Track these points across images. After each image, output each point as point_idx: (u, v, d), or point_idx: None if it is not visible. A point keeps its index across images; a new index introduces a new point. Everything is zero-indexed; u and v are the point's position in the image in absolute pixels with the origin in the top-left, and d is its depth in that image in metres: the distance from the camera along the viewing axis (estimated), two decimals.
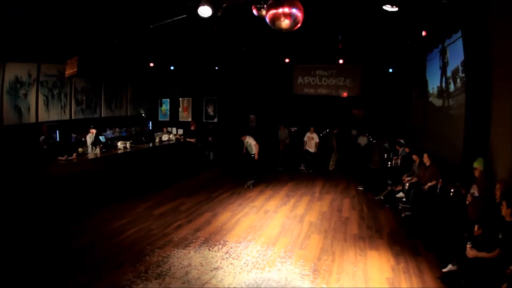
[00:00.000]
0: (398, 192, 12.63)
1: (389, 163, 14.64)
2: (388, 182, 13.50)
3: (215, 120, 22.01)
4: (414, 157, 12.30)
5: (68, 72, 14.26)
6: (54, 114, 15.47)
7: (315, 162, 18.42)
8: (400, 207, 11.61)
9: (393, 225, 10.27)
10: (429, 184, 10.68)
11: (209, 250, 8.34)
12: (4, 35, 11.83)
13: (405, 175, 12.37)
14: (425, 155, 11.32)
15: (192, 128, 18.57)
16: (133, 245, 8.54)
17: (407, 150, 13.67)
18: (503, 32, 8.60)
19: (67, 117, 16.22)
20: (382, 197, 12.82)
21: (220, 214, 11.02)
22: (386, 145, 15.77)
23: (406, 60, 16.45)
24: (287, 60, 18.43)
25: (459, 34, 10.94)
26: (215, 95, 22.03)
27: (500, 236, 6.08)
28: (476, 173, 8.47)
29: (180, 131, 21.02)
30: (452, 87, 11.92)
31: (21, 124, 13.80)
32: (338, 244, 8.84)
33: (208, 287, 6.69)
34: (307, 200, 12.81)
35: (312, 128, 18.22)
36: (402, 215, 10.98)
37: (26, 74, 13.99)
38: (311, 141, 17.88)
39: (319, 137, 18.46)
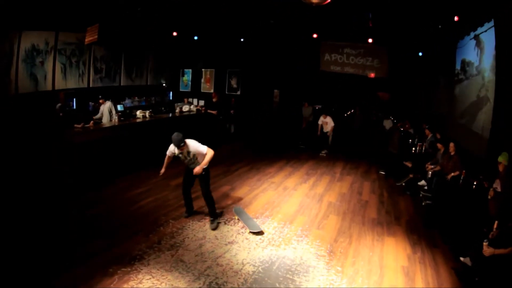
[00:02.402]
0: (420, 179, 12.58)
1: (413, 149, 14.56)
2: (404, 163, 13.42)
3: (238, 93, 21.98)
4: (439, 145, 12.18)
5: (88, 39, 14.28)
6: (71, 82, 15.52)
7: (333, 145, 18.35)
8: (421, 195, 11.54)
9: (412, 213, 10.25)
10: (452, 174, 10.60)
11: (225, 224, 8.48)
12: (21, 2, 11.88)
13: (429, 163, 12.27)
14: (451, 144, 11.19)
15: (214, 100, 18.49)
16: (149, 214, 8.70)
17: (438, 136, 13.50)
18: None
19: (85, 85, 16.29)
20: (403, 184, 12.76)
21: (238, 188, 11.13)
22: (411, 130, 15.65)
23: (436, 45, 16.30)
24: (315, 36, 18.30)
25: (492, 23, 10.79)
26: (238, 67, 21.96)
27: None
28: (500, 168, 8.37)
29: (202, 103, 20.99)
30: (481, 77, 11.78)
31: (37, 91, 13.85)
32: (356, 227, 8.90)
33: (221, 261, 6.80)
34: (327, 180, 12.86)
35: (323, 114, 17.90)
36: (423, 203, 10.93)
37: (43, 42, 13.98)
38: (326, 125, 17.73)
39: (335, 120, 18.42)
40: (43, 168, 9.91)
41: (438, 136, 13.41)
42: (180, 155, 8.39)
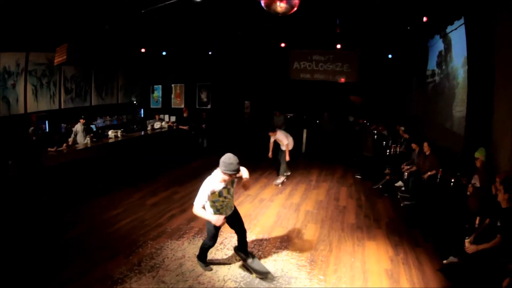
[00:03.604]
0: (397, 181, 12.64)
1: (388, 151, 14.62)
2: (385, 172, 13.47)
3: (209, 106, 22.09)
4: (414, 145, 12.23)
5: (58, 60, 14.14)
6: (43, 104, 15.32)
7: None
8: (399, 196, 11.60)
9: (392, 215, 10.30)
10: (429, 173, 10.66)
11: (202, 240, 8.33)
12: None
13: (404, 164, 12.33)
14: (425, 144, 11.27)
15: (185, 115, 18.49)
16: (126, 236, 8.55)
17: (405, 136, 13.58)
18: (508, 18, 8.58)
19: (56, 106, 16.08)
20: (380, 186, 12.79)
21: None
22: (385, 132, 15.73)
23: (406, 46, 16.44)
24: (283, 45, 18.38)
25: (462, 21, 10.90)
26: (208, 81, 22.06)
27: (498, 224, 6.11)
28: (478, 163, 8.45)
29: (173, 118, 20.98)
30: (453, 75, 11.89)
31: (10, 115, 13.66)
32: (335, 234, 8.89)
33: (202, 279, 6.73)
34: (303, 188, 12.87)
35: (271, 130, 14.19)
36: (401, 204, 10.99)
37: (14, 63, 13.80)
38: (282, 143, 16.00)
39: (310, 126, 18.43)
40: (18, 193, 9.77)
41: (406, 136, 13.51)
42: (223, 191, 6.41)
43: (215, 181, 6.16)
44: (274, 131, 13.34)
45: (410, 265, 7.32)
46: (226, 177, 6.07)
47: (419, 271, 7.08)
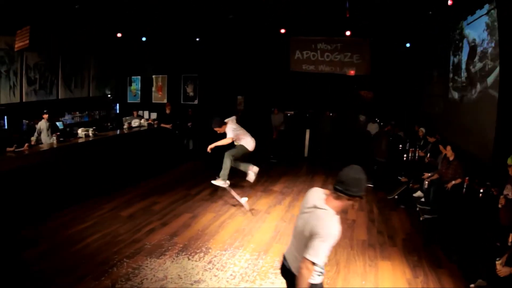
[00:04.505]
0: (416, 190, 12.56)
1: (405, 155, 14.54)
2: (399, 178, 13.38)
3: (196, 102, 22.10)
4: (442, 147, 12.01)
5: (18, 45, 14.02)
6: (1, 97, 15.23)
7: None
8: (417, 209, 11.53)
9: (409, 230, 10.24)
10: (453, 182, 10.58)
11: (189, 259, 8.30)
12: None
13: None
14: (448, 148, 11.16)
15: (168, 111, 18.44)
16: (97, 254, 8.43)
17: (431, 140, 13.43)
18: None
19: (17, 99, 16.00)
20: (396, 196, 12.72)
21: (201, 216, 10.99)
22: (401, 134, 15.65)
23: (426, 34, 16.37)
24: (282, 31, 18.27)
25: (494, 4, 10.77)
26: (195, 72, 22.00)
27: None
28: (511, 172, 8.37)
29: (154, 115, 20.91)
30: (481, 69, 11.78)
31: None
32: (343, 252, 8.80)
33: None
34: None
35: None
36: (420, 218, 10.92)
37: None
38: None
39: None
40: None
41: (432, 139, 13.38)
42: None
43: (336, 218, 4.33)
44: (221, 125, 11.64)
45: (428, 279, 7.32)
46: (350, 205, 4.47)
47: (439, 285, 6.98)
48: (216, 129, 11.58)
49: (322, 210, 4.31)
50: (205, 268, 7.90)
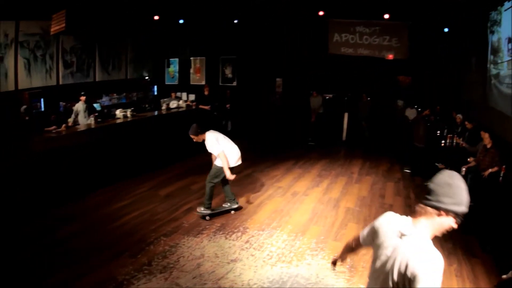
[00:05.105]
0: None
1: (443, 141, 14.43)
2: (436, 164, 13.29)
3: (234, 83, 22.10)
4: (483, 133, 11.76)
5: (54, 28, 14.12)
6: (37, 80, 15.42)
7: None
8: None
9: None
10: (490, 170, 10.48)
11: (226, 238, 8.43)
12: None
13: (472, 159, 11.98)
14: (486, 135, 10.97)
15: (206, 93, 18.49)
16: (134, 231, 8.63)
17: (468, 126, 13.27)
18: None
19: (53, 82, 16.20)
20: None
21: (239, 196, 10.95)
22: (439, 119, 15.50)
23: (466, 18, 16.17)
24: (321, 13, 18.19)
25: None
26: (234, 54, 21.97)
27: None
28: None
29: (192, 97, 21.11)
30: None
31: None
32: None
33: (223, 283, 6.73)
34: (343, 182, 12.80)
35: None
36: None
37: (2, 34, 13.85)
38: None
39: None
40: (4, 181, 9.78)
41: (469, 126, 13.22)
42: None
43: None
44: (197, 133, 9.43)
45: (464, 277, 7.24)
46: (447, 225, 3.27)
47: (474, 285, 7.00)
48: (192, 136, 9.42)
49: (413, 238, 3.18)
50: (242, 248, 8.00)
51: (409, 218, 3.30)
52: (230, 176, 9.36)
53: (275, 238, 8.50)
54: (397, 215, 3.45)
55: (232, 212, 9.86)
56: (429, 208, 3.15)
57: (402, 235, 3.19)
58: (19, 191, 9.79)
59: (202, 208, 9.63)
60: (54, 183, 10.53)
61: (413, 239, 3.12)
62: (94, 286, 6.51)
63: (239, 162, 9.85)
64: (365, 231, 3.82)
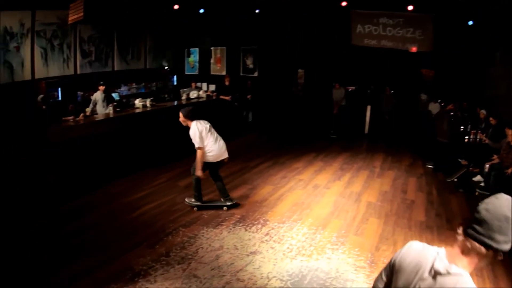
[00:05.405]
0: (476, 174, 12.35)
1: (466, 137, 14.31)
2: (459, 160, 13.18)
3: (255, 74, 22.01)
4: (508, 130, 11.68)
5: (72, 18, 14.09)
6: (54, 69, 15.49)
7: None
8: (477, 194, 11.33)
9: (467, 215, 9.92)
10: None
11: (246, 230, 8.43)
12: None
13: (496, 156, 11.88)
14: (510, 132, 10.89)
15: (227, 83, 18.59)
16: (153, 222, 8.68)
17: (492, 122, 13.15)
18: None
19: (71, 72, 16.27)
20: (455, 179, 12.52)
21: (259, 188, 11.10)
22: (465, 114, 15.37)
23: (491, 11, 16.01)
24: (344, 4, 18.08)
25: None
26: (255, 44, 21.88)
27: None
28: None
29: (212, 87, 21.12)
30: None
31: (13, 82, 13.82)
32: (401, 233, 8.75)
33: (242, 275, 6.72)
34: (365, 176, 12.74)
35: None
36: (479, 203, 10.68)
37: (17, 23, 13.90)
38: None
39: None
40: (22, 171, 9.83)
41: (493, 121, 13.10)
42: None
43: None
44: (187, 116, 9.49)
45: (484, 277, 7.14)
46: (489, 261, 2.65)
47: (494, 285, 6.93)
48: (181, 117, 9.44)
49: (452, 278, 2.57)
50: (262, 240, 7.99)
51: (442, 250, 2.71)
52: (199, 173, 9.31)
53: (296, 231, 8.47)
54: (424, 245, 2.81)
55: (225, 208, 9.63)
56: (476, 244, 2.53)
57: (436, 273, 2.57)
58: (37, 181, 9.86)
59: (193, 200, 9.69)
60: (72, 173, 10.61)
61: (452, 280, 2.51)
62: (111, 275, 6.53)
63: (222, 157, 9.69)
64: (380, 277, 3.00)
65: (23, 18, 14.05)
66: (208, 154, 9.43)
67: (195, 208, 9.53)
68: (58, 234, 8.09)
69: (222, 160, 9.73)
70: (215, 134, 9.72)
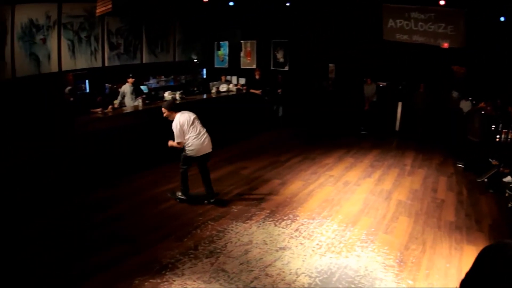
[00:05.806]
0: (506, 175, 12.25)
1: (498, 136, 14.21)
2: (490, 160, 13.09)
3: (286, 68, 21.90)
4: None
5: (100, 10, 14.10)
6: (82, 62, 15.59)
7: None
8: (507, 195, 11.10)
9: (497, 216, 9.92)
10: None
11: (275, 225, 8.46)
12: None
13: None
14: None
15: (257, 77, 18.51)
16: (181, 215, 8.77)
17: None
18: None
19: (99, 64, 16.38)
20: (485, 180, 12.43)
21: (289, 183, 11.10)
22: (498, 113, 15.24)
23: None
24: None
25: None
26: (286, 37, 21.78)
27: None
28: None
29: (242, 81, 21.09)
30: None
31: (39, 74, 13.91)
32: (431, 232, 8.70)
33: (271, 270, 6.75)
34: (396, 174, 12.67)
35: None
36: (509, 205, 10.56)
37: (44, 16, 13.98)
38: None
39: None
40: (49, 163, 9.99)
41: None
42: None
43: None
44: (169, 109, 9.72)
45: None
46: None
47: None
48: (163, 109, 9.67)
49: None
50: (291, 236, 8.01)
51: None
52: (171, 143, 9.60)
53: (325, 228, 8.47)
54: None
55: (206, 202, 9.62)
56: None
57: None
58: (66, 171, 9.98)
59: (179, 193, 9.72)
60: (100, 165, 10.76)
61: None
62: (139, 267, 6.63)
63: (203, 152, 9.58)
64: None
65: (50, 10, 14.14)
66: (187, 148, 9.45)
67: (177, 200, 9.66)
68: (89, 224, 8.23)
69: (208, 154, 9.69)
70: (199, 127, 9.59)
